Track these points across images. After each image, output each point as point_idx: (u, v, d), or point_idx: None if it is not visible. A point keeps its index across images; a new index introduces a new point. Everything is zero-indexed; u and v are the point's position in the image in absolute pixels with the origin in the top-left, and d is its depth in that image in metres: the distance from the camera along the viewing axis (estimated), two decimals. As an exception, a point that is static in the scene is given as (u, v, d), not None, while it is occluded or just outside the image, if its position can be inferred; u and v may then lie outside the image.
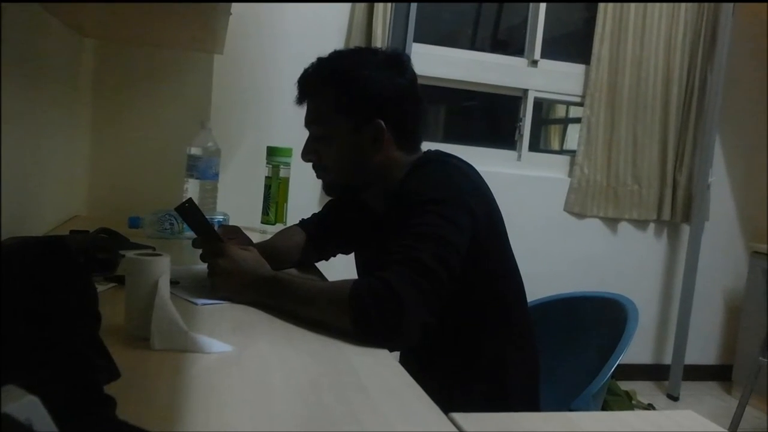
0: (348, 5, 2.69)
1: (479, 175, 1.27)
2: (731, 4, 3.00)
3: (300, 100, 1.29)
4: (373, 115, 1.22)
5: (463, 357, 1.25)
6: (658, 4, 3.05)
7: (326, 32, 2.67)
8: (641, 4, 3.04)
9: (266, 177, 2.03)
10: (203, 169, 1.92)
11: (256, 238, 1.51)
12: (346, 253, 1.55)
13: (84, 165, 2.13)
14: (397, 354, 1.17)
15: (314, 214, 1.58)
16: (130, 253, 0.95)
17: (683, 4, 3.07)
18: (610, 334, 1.38)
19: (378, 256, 1.09)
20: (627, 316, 1.40)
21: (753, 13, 3.18)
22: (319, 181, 1.35)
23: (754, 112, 3.32)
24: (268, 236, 1.58)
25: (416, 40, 2.81)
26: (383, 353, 0.96)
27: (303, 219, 1.58)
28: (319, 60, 1.28)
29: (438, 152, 1.32)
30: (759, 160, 3.35)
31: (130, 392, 0.69)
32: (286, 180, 2.03)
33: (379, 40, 2.64)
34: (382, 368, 0.90)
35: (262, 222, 2.03)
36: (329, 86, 1.24)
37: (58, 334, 0.57)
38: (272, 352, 0.92)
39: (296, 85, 1.29)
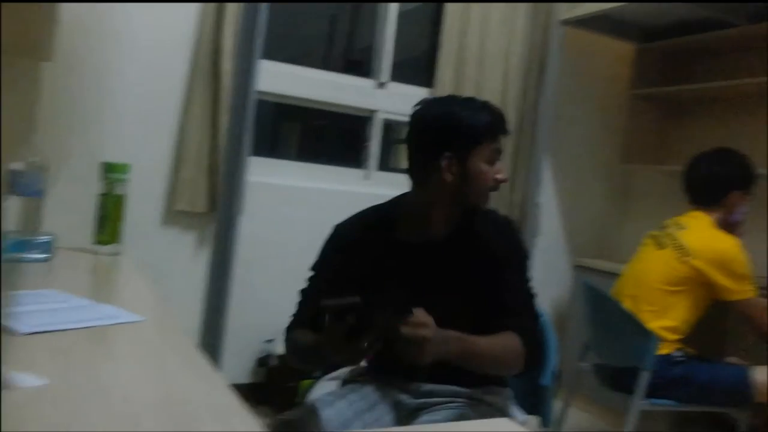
0: (195, 19, 2.61)
1: None
2: (558, 36, 3.31)
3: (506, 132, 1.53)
4: None
5: None
6: (494, 34, 3.28)
7: (170, 43, 2.57)
8: (480, 33, 3.25)
9: (100, 194, 1.91)
10: (26, 185, 1.77)
11: (90, 259, 1.41)
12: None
13: None
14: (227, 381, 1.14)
15: (300, 308, 1.46)
16: None
17: (516, 34, 3.32)
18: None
19: (454, 285, 1.38)
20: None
21: (579, 46, 3.53)
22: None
23: (579, 138, 3.68)
24: (102, 257, 1.48)
25: (269, 57, 2.79)
26: (216, 379, 0.94)
27: (290, 323, 1.45)
28: None
29: None
30: (584, 181, 3.71)
31: None
32: (122, 197, 1.92)
33: (228, 55, 2.59)
34: (214, 393, 0.88)
35: (94, 242, 1.90)
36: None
37: None
38: (91, 382, 0.86)
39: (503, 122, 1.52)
